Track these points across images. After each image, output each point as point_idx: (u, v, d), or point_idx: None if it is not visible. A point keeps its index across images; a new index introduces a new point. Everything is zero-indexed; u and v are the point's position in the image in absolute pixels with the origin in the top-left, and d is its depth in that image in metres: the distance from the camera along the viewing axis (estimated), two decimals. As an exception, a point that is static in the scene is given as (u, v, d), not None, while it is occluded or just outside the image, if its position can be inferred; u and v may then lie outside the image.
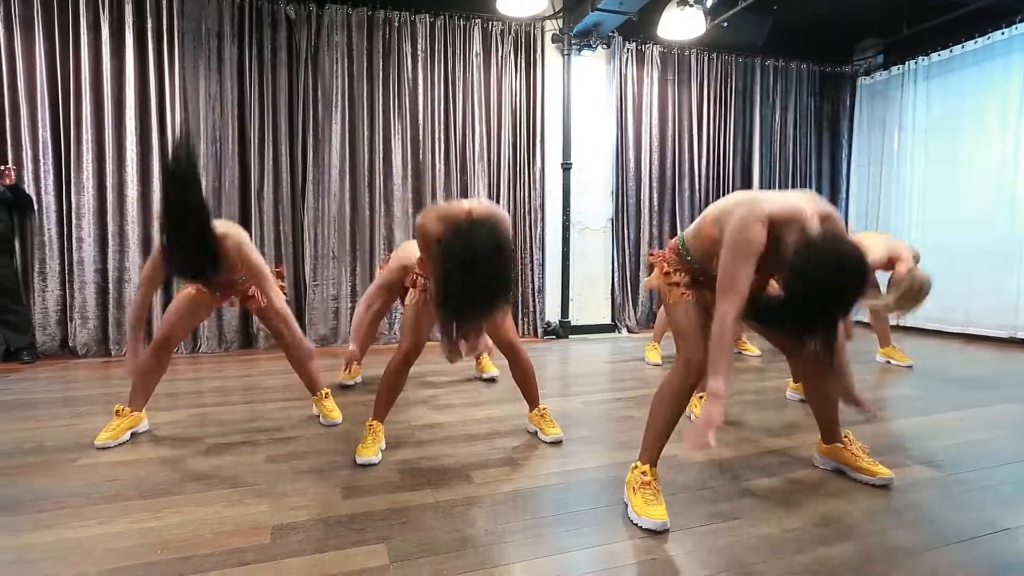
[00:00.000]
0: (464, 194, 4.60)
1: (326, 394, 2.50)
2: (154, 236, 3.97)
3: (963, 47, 4.70)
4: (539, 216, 4.77)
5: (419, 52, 4.43)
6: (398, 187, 4.44)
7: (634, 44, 4.99)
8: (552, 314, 4.91)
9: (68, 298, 3.87)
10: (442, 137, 4.52)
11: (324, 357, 3.67)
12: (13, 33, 3.69)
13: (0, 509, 1.65)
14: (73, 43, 3.78)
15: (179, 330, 2.29)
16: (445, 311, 1.52)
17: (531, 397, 2.27)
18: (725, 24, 4.60)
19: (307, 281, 4.29)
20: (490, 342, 2.57)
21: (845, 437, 1.88)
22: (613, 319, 5.11)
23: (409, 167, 4.48)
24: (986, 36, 4.54)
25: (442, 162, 4.53)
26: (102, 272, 3.92)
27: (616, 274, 5.07)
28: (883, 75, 5.42)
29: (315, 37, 4.22)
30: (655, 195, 5.15)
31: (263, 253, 4.09)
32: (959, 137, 4.74)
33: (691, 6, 4.12)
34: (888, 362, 3.58)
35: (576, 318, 4.95)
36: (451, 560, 1.38)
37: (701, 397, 2.34)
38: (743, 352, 3.94)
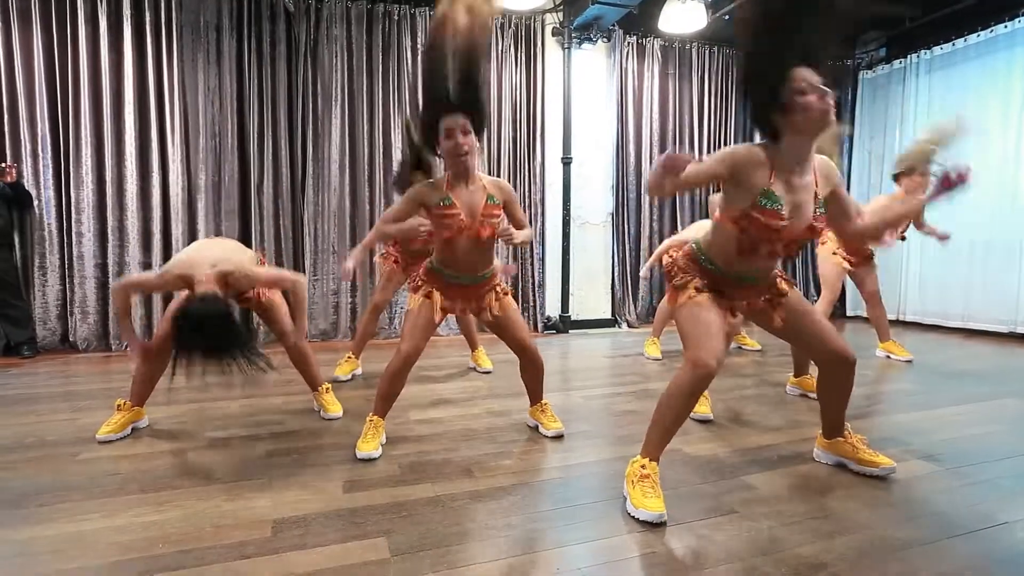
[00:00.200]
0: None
1: (327, 389, 2.51)
2: (154, 231, 3.97)
3: (966, 41, 4.68)
4: (539, 210, 4.76)
5: (419, 46, 4.40)
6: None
7: (635, 37, 4.97)
8: (552, 309, 4.91)
9: (68, 293, 3.87)
10: (442, 131, 4.50)
11: (324, 352, 3.68)
12: (11, 26, 3.67)
13: (1, 503, 1.66)
14: (71, 36, 3.76)
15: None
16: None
17: (535, 394, 2.27)
18: (727, 17, 4.58)
19: (307, 276, 4.28)
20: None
21: (845, 431, 1.88)
22: (613, 314, 5.11)
23: (409, 161, 4.46)
24: (989, 29, 4.51)
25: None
26: (102, 267, 3.92)
27: (616, 269, 5.07)
28: (885, 69, 5.39)
29: (314, 30, 4.20)
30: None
31: (263, 249, 4.12)
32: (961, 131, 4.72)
33: (692, -1, 4.10)
34: (888, 357, 3.59)
35: (576, 313, 4.95)
36: (451, 554, 1.38)
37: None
38: (743, 347, 3.94)
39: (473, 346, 3.35)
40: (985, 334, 4.49)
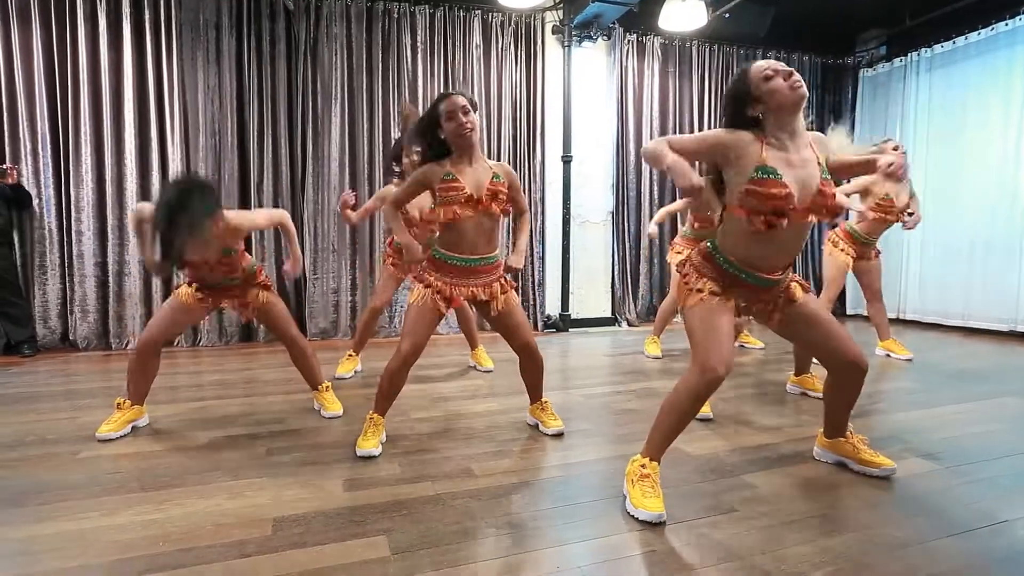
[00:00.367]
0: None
1: (327, 387, 2.51)
2: (154, 229, 3.96)
3: (966, 39, 4.67)
4: (539, 209, 4.76)
5: (419, 44, 4.40)
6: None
7: (635, 35, 4.96)
8: (552, 307, 4.91)
9: (68, 292, 3.87)
10: (442, 130, 4.50)
11: (324, 350, 3.68)
12: (10, 25, 3.67)
13: (2, 501, 1.66)
14: (70, 35, 3.76)
15: (163, 333, 2.23)
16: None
17: (535, 392, 2.27)
18: (727, 16, 4.57)
19: (307, 275, 4.28)
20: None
21: (847, 431, 1.88)
22: (613, 312, 5.11)
23: (409, 160, 4.46)
24: (990, 27, 4.50)
25: (442, 155, 4.50)
26: (102, 265, 3.92)
27: (616, 267, 5.07)
28: (885, 67, 5.39)
29: (314, 29, 4.19)
30: (656, 188, 5.13)
31: (263, 247, 4.13)
32: (961, 129, 4.72)
33: (693, -3, 4.10)
34: (888, 355, 3.59)
35: (576, 311, 4.95)
36: (451, 552, 1.38)
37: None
38: (745, 345, 3.94)
39: (473, 344, 3.35)
40: (985, 333, 4.49)
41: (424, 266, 2.08)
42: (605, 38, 4.89)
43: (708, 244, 1.70)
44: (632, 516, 1.54)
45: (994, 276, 4.47)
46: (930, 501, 1.65)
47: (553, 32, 4.74)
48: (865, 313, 4.95)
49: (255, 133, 4.12)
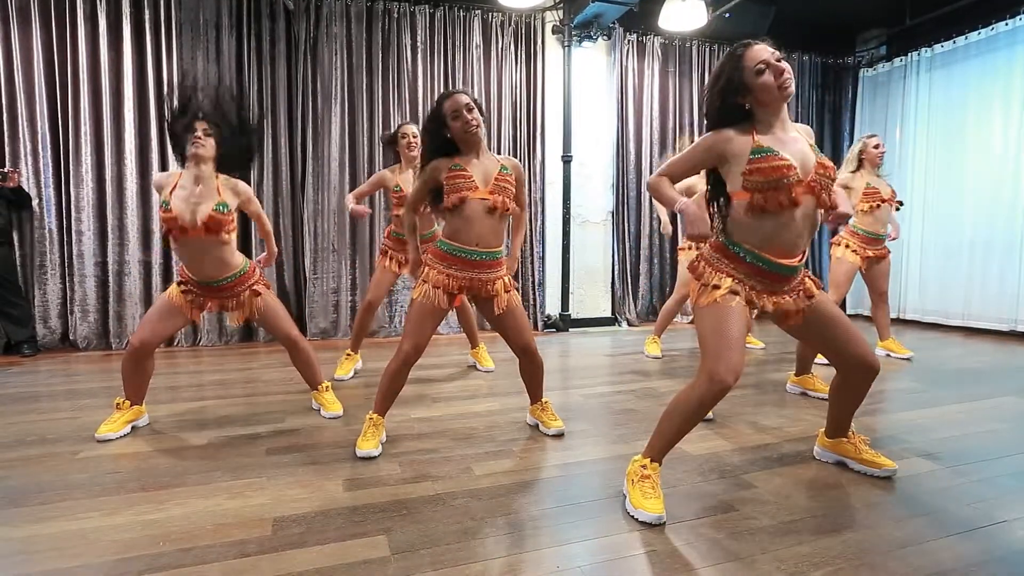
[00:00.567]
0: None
1: (326, 387, 2.51)
2: (154, 229, 3.97)
3: (966, 38, 4.67)
4: (539, 209, 4.76)
5: (419, 44, 4.40)
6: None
7: (635, 35, 4.96)
8: (552, 307, 4.91)
9: (68, 291, 3.87)
10: (442, 129, 4.50)
11: (324, 350, 3.68)
12: (10, 24, 3.67)
13: (3, 501, 1.66)
14: (70, 34, 3.76)
15: (155, 336, 2.20)
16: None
17: (535, 393, 2.27)
18: (727, 15, 4.57)
19: (307, 275, 4.28)
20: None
21: (850, 431, 1.88)
22: (613, 312, 5.11)
23: (409, 160, 4.46)
24: (990, 27, 4.50)
25: (442, 155, 4.50)
26: (102, 265, 3.92)
27: (616, 267, 5.07)
28: (885, 67, 5.38)
29: (314, 28, 4.19)
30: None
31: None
32: (962, 129, 4.72)
33: (693, -3, 4.09)
34: (888, 355, 3.59)
35: (576, 311, 4.95)
36: (451, 552, 1.38)
37: None
38: (747, 346, 3.94)
39: (474, 343, 3.35)
40: (986, 332, 4.49)
41: (428, 259, 2.06)
42: (605, 38, 4.89)
43: (720, 237, 1.65)
44: (632, 516, 1.54)
45: (994, 276, 4.47)
46: (930, 501, 1.65)
47: (553, 32, 4.74)
48: (865, 313, 4.96)
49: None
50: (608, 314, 5.10)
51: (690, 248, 3.46)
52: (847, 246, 3.37)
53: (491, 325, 2.16)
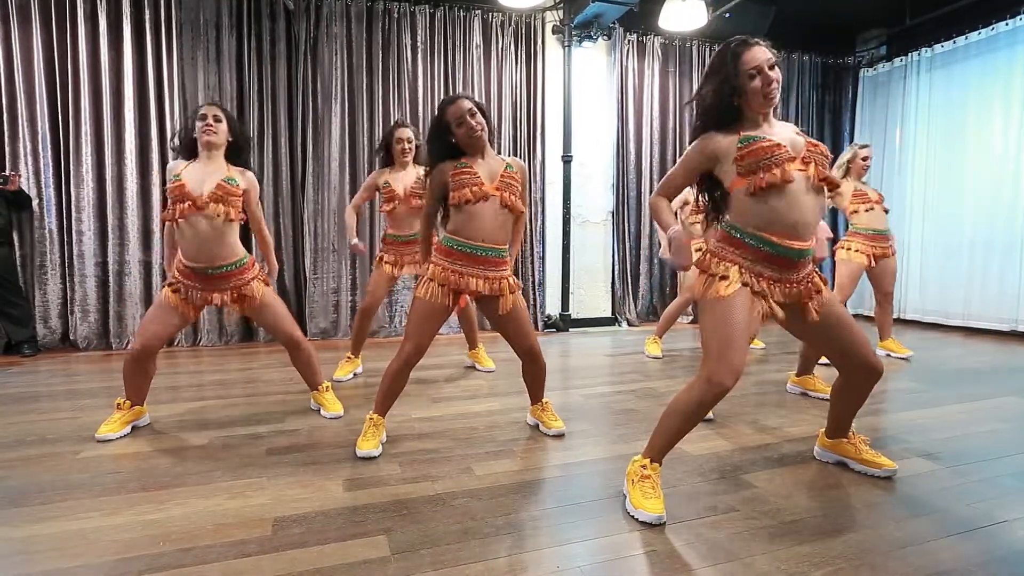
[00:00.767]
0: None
1: (326, 387, 2.51)
2: (154, 229, 3.97)
3: (967, 38, 4.66)
4: (539, 209, 4.76)
5: (419, 44, 4.40)
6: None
7: (635, 35, 4.96)
8: (552, 307, 4.91)
9: (69, 292, 3.87)
10: (442, 129, 4.50)
11: (324, 351, 3.68)
12: (10, 24, 3.67)
13: (3, 501, 1.66)
14: (71, 34, 3.76)
15: (157, 338, 2.19)
16: None
17: (536, 394, 2.27)
18: (727, 15, 4.57)
19: (307, 275, 4.29)
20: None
21: (850, 432, 1.88)
22: (613, 312, 5.11)
23: (409, 160, 4.46)
24: (990, 27, 4.50)
25: (442, 155, 4.50)
26: (102, 265, 3.92)
27: (616, 267, 5.07)
28: (886, 67, 5.38)
29: (314, 28, 4.19)
30: (656, 187, 5.12)
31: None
32: (962, 129, 4.72)
33: (693, -3, 4.09)
34: (888, 355, 3.59)
35: (576, 311, 4.95)
36: (452, 552, 1.38)
37: None
38: (748, 345, 3.94)
39: (472, 345, 3.34)
40: (986, 332, 4.49)
41: (433, 256, 2.05)
42: (605, 38, 4.89)
43: (724, 227, 1.64)
44: (632, 516, 1.54)
45: (995, 276, 4.47)
46: (930, 501, 1.65)
47: (553, 32, 4.74)
48: (865, 313, 4.96)
49: (255, 133, 4.12)
50: (608, 314, 5.10)
51: (696, 250, 3.47)
52: (851, 248, 3.38)
53: (494, 326, 2.15)
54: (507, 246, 2.09)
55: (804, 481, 1.79)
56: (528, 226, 4.72)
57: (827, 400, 1.96)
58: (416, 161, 3.03)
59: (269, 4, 4.10)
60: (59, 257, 3.86)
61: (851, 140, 5.67)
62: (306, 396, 2.63)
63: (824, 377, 2.69)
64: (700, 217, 2.61)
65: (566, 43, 4.70)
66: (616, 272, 5.07)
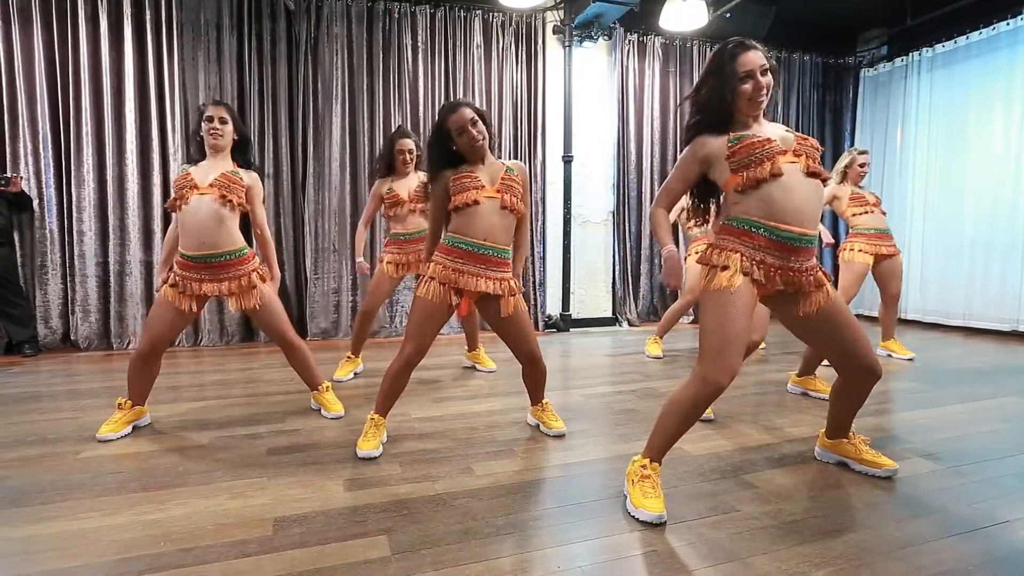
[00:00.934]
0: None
1: (326, 387, 2.51)
2: (155, 230, 3.97)
3: (967, 38, 4.66)
4: (540, 209, 4.76)
5: (419, 44, 4.40)
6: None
7: (636, 35, 4.96)
8: (553, 307, 4.91)
9: (70, 292, 3.87)
10: (443, 130, 4.50)
11: (324, 351, 3.68)
12: (11, 25, 3.67)
13: (4, 501, 1.66)
14: (72, 35, 3.76)
15: (162, 338, 2.20)
16: None
17: (536, 396, 2.27)
18: (728, 15, 4.57)
19: (308, 275, 4.29)
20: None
21: (850, 432, 1.88)
22: (614, 312, 5.11)
23: (410, 160, 4.46)
24: (991, 27, 4.50)
25: (443, 155, 4.51)
26: (103, 265, 3.92)
27: (617, 267, 5.07)
28: (886, 67, 5.38)
29: (315, 28, 4.19)
30: (656, 188, 5.12)
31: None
32: (963, 129, 4.71)
33: (693, -3, 4.09)
34: (889, 355, 3.59)
35: (577, 311, 4.95)
36: (452, 552, 1.38)
37: None
38: (745, 343, 3.94)
39: (472, 346, 3.34)
40: (987, 332, 4.48)
41: (434, 255, 2.05)
42: (606, 38, 4.89)
43: (724, 220, 1.64)
44: (632, 516, 1.54)
45: (995, 276, 4.46)
46: (931, 501, 1.65)
47: (554, 32, 4.74)
48: (866, 313, 4.96)
49: (256, 133, 4.12)
50: (609, 314, 5.10)
51: (697, 253, 3.47)
52: (854, 248, 3.38)
53: (494, 330, 2.13)
54: (508, 247, 2.08)
55: (805, 481, 1.79)
56: (529, 226, 4.72)
57: (827, 400, 1.96)
58: (418, 168, 3.04)
59: (270, 4, 4.10)
60: (60, 257, 3.87)
61: (852, 140, 5.67)
62: (306, 396, 2.63)
63: (825, 377, 2.69)
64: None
65: (567, 43, 4.70)
66: (617, 272, 5.07)
